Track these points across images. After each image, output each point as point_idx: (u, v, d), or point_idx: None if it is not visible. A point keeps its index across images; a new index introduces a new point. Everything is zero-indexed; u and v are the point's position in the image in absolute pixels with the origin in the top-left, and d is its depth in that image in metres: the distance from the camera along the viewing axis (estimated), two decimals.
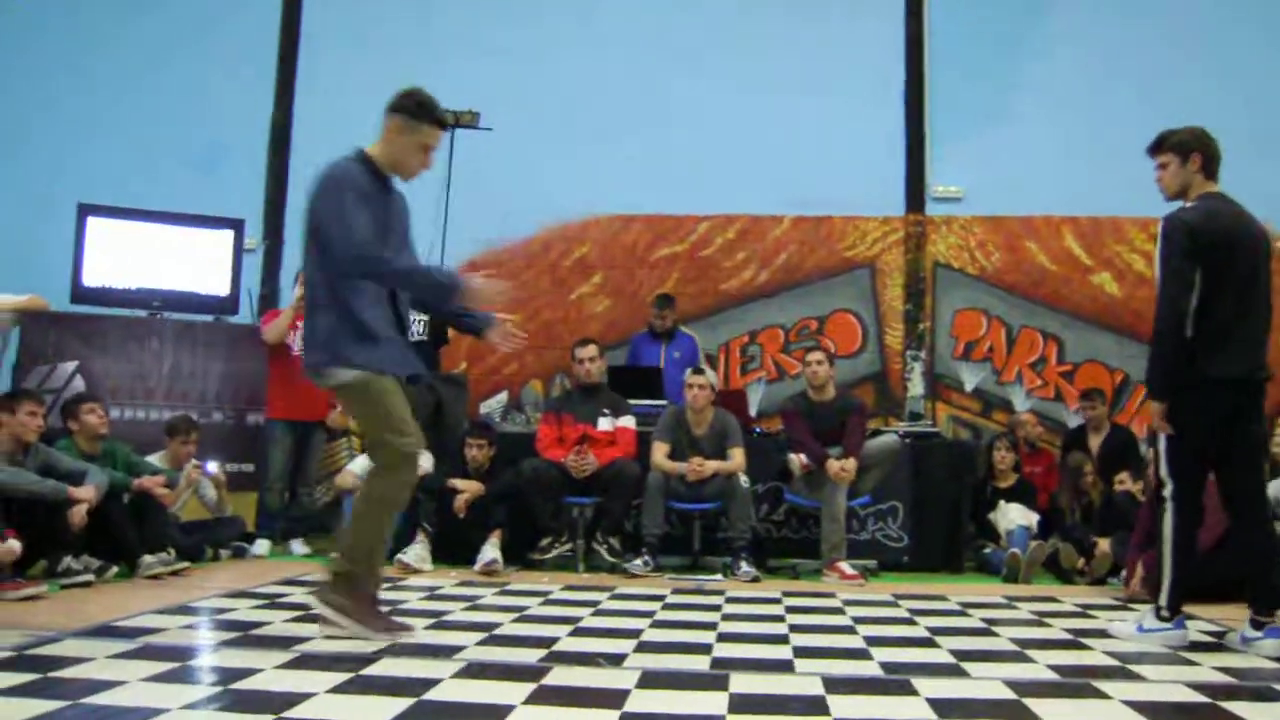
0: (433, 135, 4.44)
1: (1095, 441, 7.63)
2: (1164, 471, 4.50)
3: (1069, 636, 4.66)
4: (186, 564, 6.04)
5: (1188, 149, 4.47)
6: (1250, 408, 4.43)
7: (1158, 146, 4.56)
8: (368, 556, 4.29)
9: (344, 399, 4.75)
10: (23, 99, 9.55)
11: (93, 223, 7.87)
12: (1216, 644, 4.44)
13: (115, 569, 5.71)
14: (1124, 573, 6.12)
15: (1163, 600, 4.45)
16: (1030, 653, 4.23)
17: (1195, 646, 4.36)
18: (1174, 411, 4.41)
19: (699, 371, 7.18)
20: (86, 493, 5.59)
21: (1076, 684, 3.66)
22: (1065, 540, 6.84)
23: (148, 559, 5.77)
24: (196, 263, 8.12)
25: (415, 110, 4.37)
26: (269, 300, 9.18)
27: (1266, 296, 4.51)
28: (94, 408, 6.28)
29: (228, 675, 3.50)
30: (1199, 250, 4.33)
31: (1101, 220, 8.73)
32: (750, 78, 9.16)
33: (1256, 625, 4.28)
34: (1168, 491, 4.48)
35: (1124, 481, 6.91)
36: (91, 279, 7.82)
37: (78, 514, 5.51)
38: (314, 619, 4.36)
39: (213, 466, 7.11)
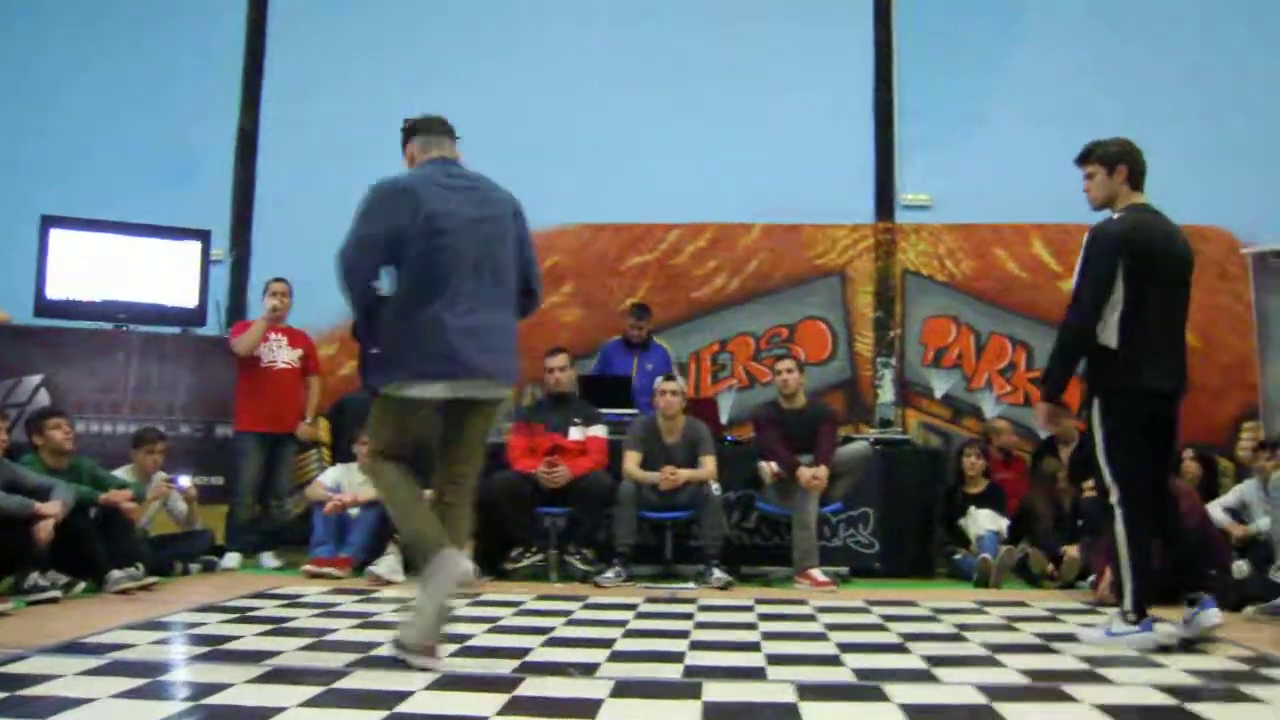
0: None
1: (1065, 451, 7.68)
2: (1107, 478, 4.56)
3: (1039, 641, 4.69)
4: (155, 579, 5.99)
5: (1114, 160, 4.61)
6: (1172, 419, 4.63)
7: (1085, 157, 4.69)
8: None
9: None
10: None
11: (56, 235, 7.81)
12: (1184, 647, 4.48)
13: (83, 584, 5.66)
14: (1092, 577, 6.17)
15: (1127, 604, 4.49)
16: (1001, 657, 4.25)
17: (1164, 649, 4.39)
18: (1107, 418, 4.52)
19: (670, 378, 7.20)
20: (53, 508, 5.53)
21: (1047, 688, 3.68)
22: (1035, 545, 6.89)
23: (116, 574, 5.70)
24: (163, 274, 8.07)
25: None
26: (237, 312, 9.11)
27: (1186, 309, 4.70)
28: (60, 423, 6.20)
29: (199, 690, 3.47)
30: (1122, 259, 4.46)
31: (1070, 227, 8.75)
32: (719, 86, 9.18)
33: (1191, 604, 4.47)
34: (1114, 498, 4.53)
35: (1093, 488, 6.95)
36: (55, 291, 7.75)
37: (44, 529, 5.45)
38: (287, 632, 4.32)
39: (184, 481, 7.06)
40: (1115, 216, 4.60)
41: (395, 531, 6.58)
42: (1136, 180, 4.66)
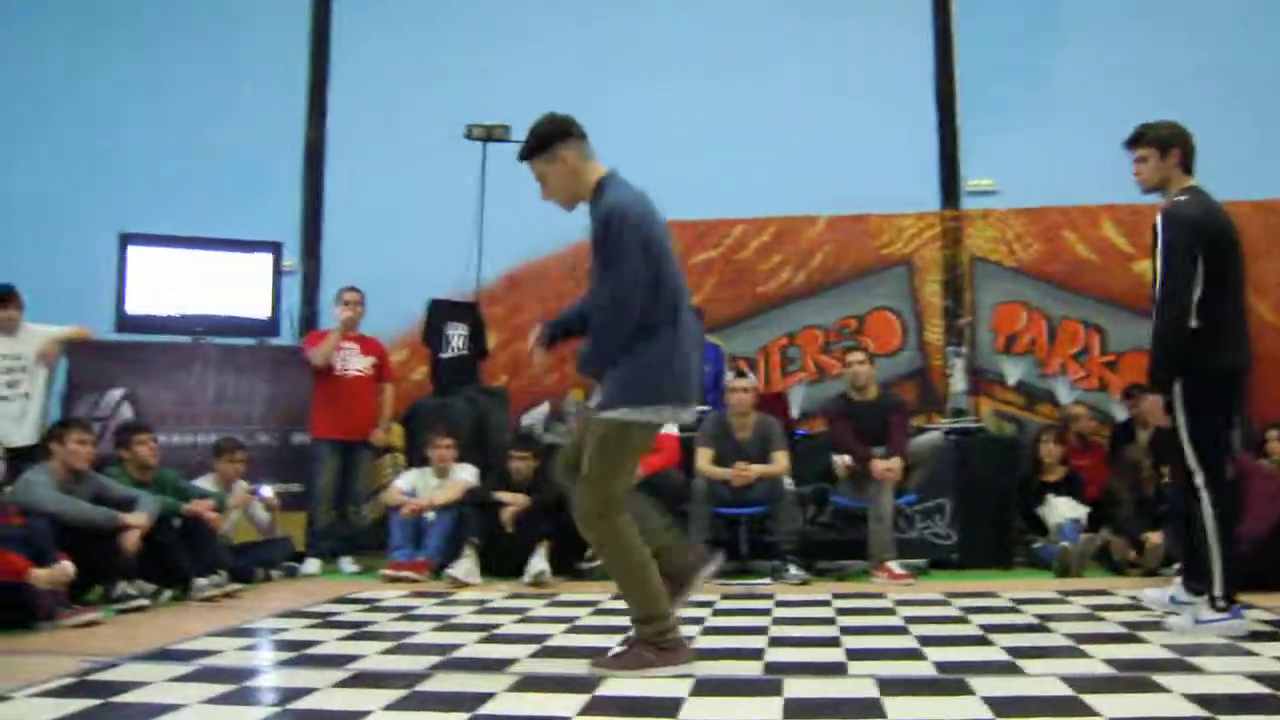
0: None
1: (1144, 435, 7.54)
2: (1192, 462, 4.48)
3: (1124, 630, 4.60)
4: (238, 585, 6.13)
5: (1168, 144, 4.57)
6: (1240, 397, 4.66)
7: (1137, 140, 4.64)
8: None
9: None
10: (65, 132, 9.68)
11: (134, 251, 7.99)
12: (1275, 633, 4.38)
13: (169, 593, 5.77)
14: (1176, 565, 6.04)
15: (1217, 590, 4.40)
16: (1085, 647, 4.18)
17: (1254, 636, 4.30)
18: (1190, 399, 4.45)
19: (742, 374, 7.18)
20: (139, 519, 5.67)
21: (1134, 678, 3.62)
22: (1116, 532, 6.77)
23: (200, 582, 5.83)
24: (236, 286, 8.22)
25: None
26: (309, 321, 9.26)
27: (1245, 286, 4.68)
28: (146, 439, 6.34)
29: (285, 695, 3.53)
30: (1201, 244, 4.41)
31: (1140, 208, 8.54)
32: (781, 78, 9.14)
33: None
34: (1200, 480, 4.46)
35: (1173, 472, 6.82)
36: (135, 306, 7.93)
37: (131, 540, 5.58)
38: (369, 636, 4.38)
39: (266, 490, 7.20)
40: (1183, 199, 4.53)
41: (471, 534, 6.67)
42: (1188, 163, 4.61)
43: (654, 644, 3.85)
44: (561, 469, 4.21)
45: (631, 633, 4.02)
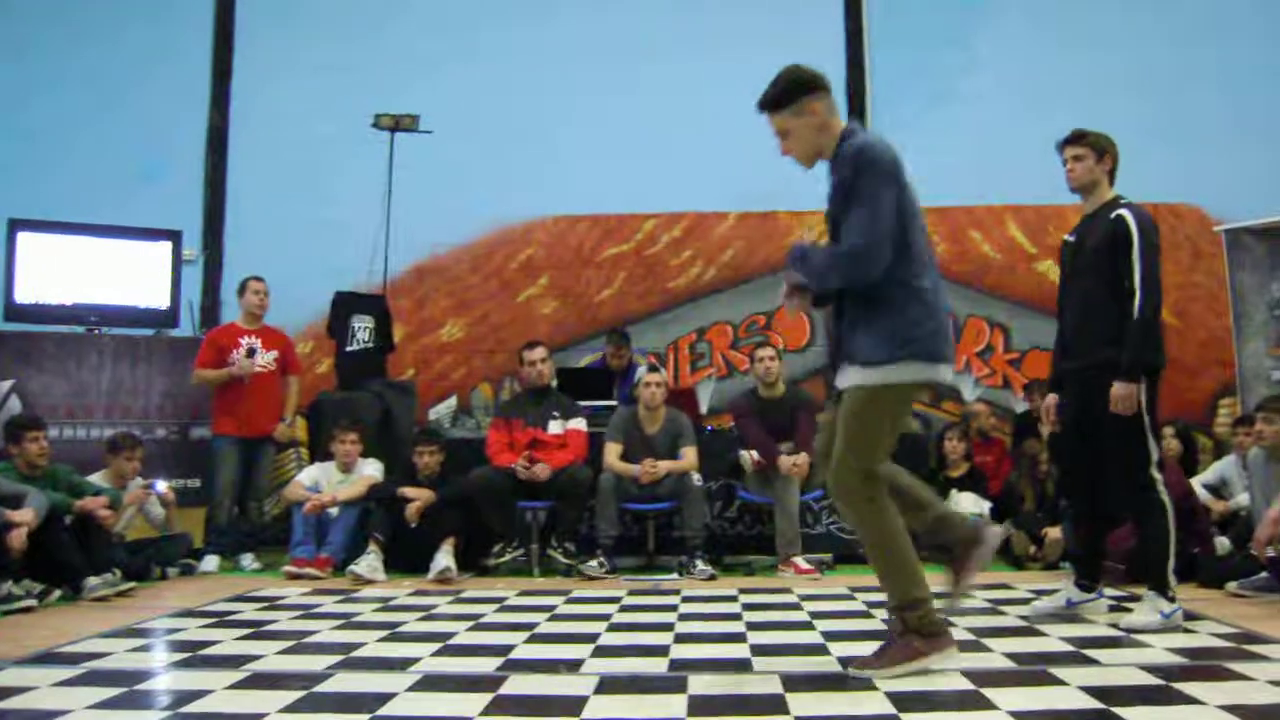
0: None
1: (1045, 430, 7.67)
2: (1155, 454, 4.61)
3: (1024, 624, 4.69)
4: (133, 584, 5.94)
5: (1104, 149, 4.78)
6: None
7: (1077, 140, 4.79)
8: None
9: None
10: None
11: (23, 238, 7.71)
12: (1174, 625, 4.47)
13: (58, 593, 5.55)
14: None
15: (1173, 582, 4.54)
16: (986, 641, 4.25)
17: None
18: (1150, 394, 4.61)
19: (655, 369, 7.17)
20: (26, 515, 5.46)
21: (1034, 671, 3.68)
22: (1017, 527, 6.89)
23: (92, 581, 5.63)
24: (134, 276, 7.99)
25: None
26: (211, 312, 9.04)
27: None
28: (37, 436, 6.08)
29: (177, 698, 3.42)
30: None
31: (1044, 209, 8.79)
32: (691, 74, 9.12)
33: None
34: (1158, 476, 4.60)
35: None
36: (25, 295, 7.66)
37: (17, 538, 5.37)
38: (267, 636, 4.27)
39: (162, 486, 6.99)
40: (1136, 204, 4.73)
41: (375, 530, 6.57)
42: (1114, 174, 4.83)
43: (920, 632, 3.63)
44: (821, 457, 3.92)
45: (891, 624, 3.76)
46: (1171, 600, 4.50)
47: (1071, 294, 4.87)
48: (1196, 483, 6.77)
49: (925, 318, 3.61)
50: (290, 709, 3.29)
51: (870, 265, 3.54)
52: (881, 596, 5.48)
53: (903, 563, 3.70)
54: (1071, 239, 4.93)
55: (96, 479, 6.54)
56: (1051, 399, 5.03)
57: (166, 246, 8.11)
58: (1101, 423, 4.60)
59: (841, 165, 3.66)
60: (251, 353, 7.32)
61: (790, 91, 3.79)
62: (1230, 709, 3.08)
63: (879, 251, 3.53)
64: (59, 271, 7.78)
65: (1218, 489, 6.84)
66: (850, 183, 3.61)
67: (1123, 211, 4.64)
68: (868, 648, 4.16)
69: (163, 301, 8.05)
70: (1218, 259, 8.14)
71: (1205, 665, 3.73)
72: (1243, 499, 6.51)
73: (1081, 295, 4.77)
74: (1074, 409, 4.85)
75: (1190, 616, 4.61)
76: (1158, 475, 4.58)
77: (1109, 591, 5.03)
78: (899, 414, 3.74)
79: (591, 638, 4.48)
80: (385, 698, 3.39)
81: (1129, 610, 4.67)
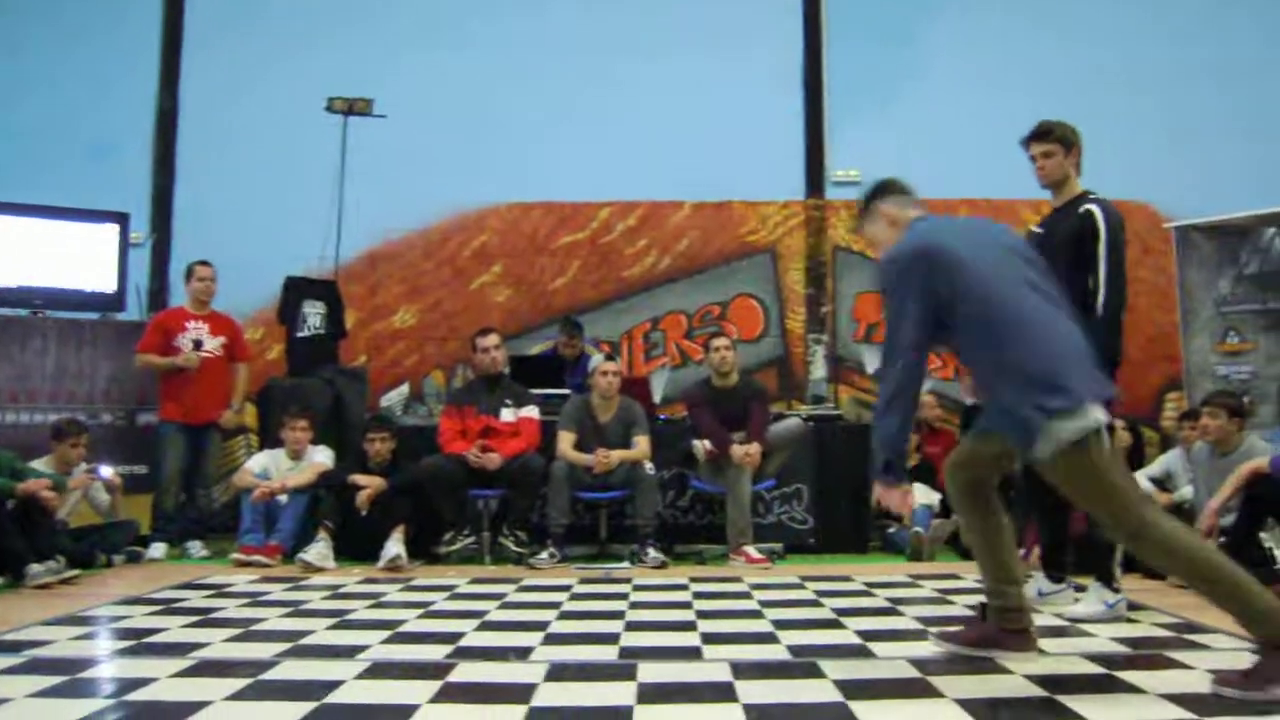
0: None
1: None
2: None
3: (971, 613, 4.71)
4: (77, 571, 5.84)
5: (1071, 143, 4.76)
6: None
7: (1045, 135, 4.75)
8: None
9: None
10: None
11: None
12: (1118, 615, 4.54)
13: (0, 580, 5.48)
14: (1022, 549, 6.24)
15: (1118, 573, 4.61)
16: (934, 630, 4.27)
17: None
18: None
19: (611, 358, 7.17)
20: None
21: (979, 659, 3.71)
22: None
23: (35, 568, 5.54)
24: (79, 258, 7.86)
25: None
26: (158, 296, 8.91)
27: None
28: None
29: (120, 686, 3.38)
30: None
31: (997, 203, 8.86)
32: (647, 63, 9.12)
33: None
34: None
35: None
36: None
37: None
38: (214, 623, 4.22)
39: (106, 471, 6.87)
40: (1104, 200, 4.72)
41: (325, 517, 6.52)
42: (1079, 166, 4.82)
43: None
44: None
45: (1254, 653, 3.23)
46: (1116, 591, 4.57)
47: None
48: (1142, 475, 6.86)
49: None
50: (236, 697, 3.26)
51: (897, 379, 3.53)
52: (832, 586, 5.56)
53: (1234, 588, 3.20)
54: (1040, 231, 4.91)
55: (40, 465, 6.44)
56: None
57: (114, 229, 7.99)
58: None
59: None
60: (198, 345, 7.23)
61: (864, 200, 4.10)
62: (1171, 698, 3.13)
63: (901, 366, 3.53)
64: (2, 254, 7.64)
65: (1162, 482, 6.94)
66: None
67: (1091, 206, 4.66)
68: (815, 636, 4.22)
69: (109, 285, 7.93)
70: (1166, 255, 8.25)
71: (1148, 654, 3.79)
72: (1187, 492, 6.60)
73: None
74: None
75: (1133, 606, 4.67)
76: None
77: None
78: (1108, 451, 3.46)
79: (542, 625, 4.48)
80: (333, 685, 3.37)
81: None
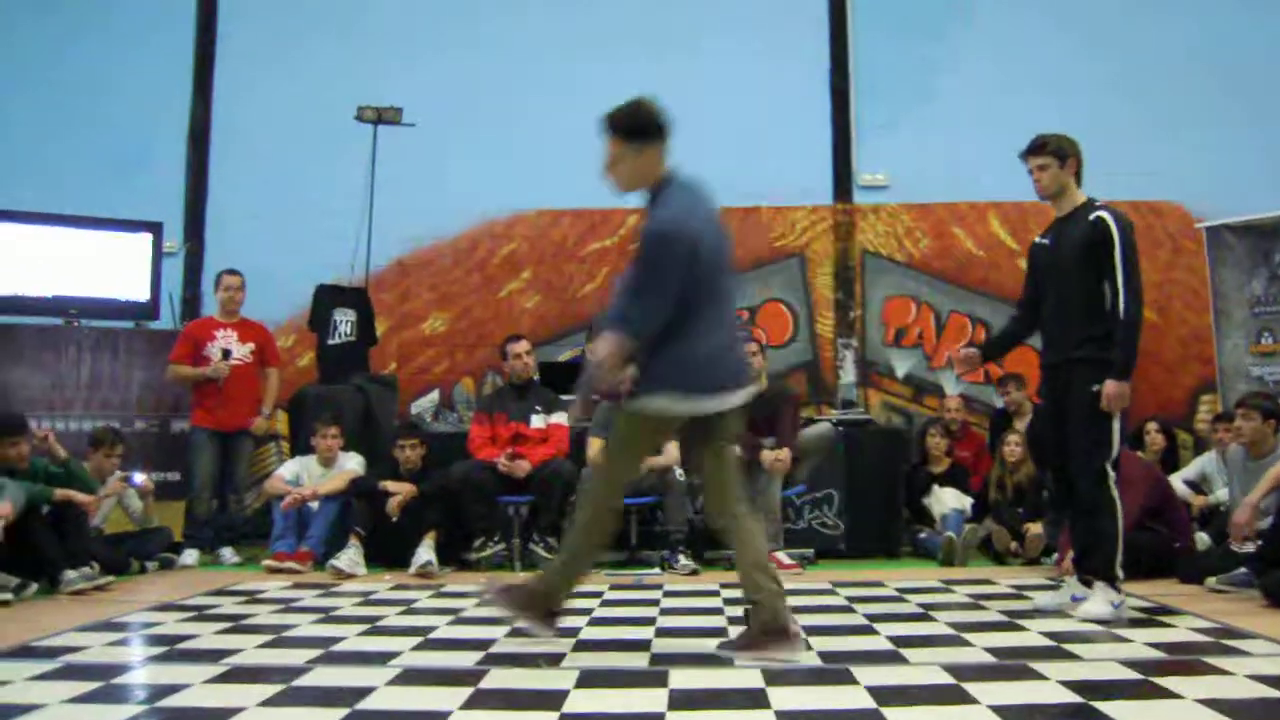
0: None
1: (1021, 424, 7.70)
2: (1115, 453, 4.66)
3: (1005, 619, 4.70)
4: (111, 578, 5.88)
5: (1066, 154, 4.80)
6: None
7: (1039, 149, 4.82)
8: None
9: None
10: None
11: (2, 229, 7.68)
12: (1149, 619, 4.51)
13: (35, 586, 5.52)
14: (1055, 554, 6.20)
15: (1121, 574, 4.61)
16: (968, 636, 4.26)
17: (1131, 623, 4.47)
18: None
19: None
20: (3, 509, 5.39)
21: (1014, 665, 3.69)
22: (998, 523, 6.91)
23: (70, 574, 5.59)
24: (114, 268, 7.93)
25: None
26: (192, 304, 8.98)
27: None
28: (17, 441, 5.96)
29: (154, 692, 3.40)
30: None
31: (1026, 205, 8.77)
32: (675, 69, 9.10)
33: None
34: (1111, 469, 4.65)
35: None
36: (3, 287, 7.60)
37: None
38: (247, 630, 4.25)
39: (139, 477, 6.93)
40: (1112, 205, 4.78)
41: (356, 524, 6.54)
42: (1080, 175, 4.88)
43: None
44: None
45: None
46: (1119, 591, 4.59)
47: (1047, 295, 4.90)
48: (1177, 479, 6.81)
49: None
50: (269, 703, 3.28)
51: None
52: (864, 592, 5.53)
53: None
54: (1045, 241, 4.98)
55: None
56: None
57: (147, 238, 8.06)
58: (1070, 415, 4.71)
59: None
60: (226, 355, 7.27)
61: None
62: (1208, 703, 3.09)
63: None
64: (38, 263, 7.72)
65: (1198, 485, 6.88)
66: None
67: (1102, 214, 4.70)
68: (847, 642, 4.21)
69: (143, 294, 8.00)
70: (1198, 256, 8.17)
71: (1184, 660, 3.76)
72: (1222, 494, 6.55)
73: (1058, 296, 4.83)
74: (1050, 402, 4.91)
75: (1169, 611, 4.64)
76: (1111, 471, 4.64)
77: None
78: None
79: (573, 632, 4.47)
80: (365, 692, 3.38)
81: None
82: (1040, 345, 5.05)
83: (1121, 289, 4.59)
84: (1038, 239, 5.07)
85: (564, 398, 7.22)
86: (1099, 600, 4.60)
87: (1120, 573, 4.61)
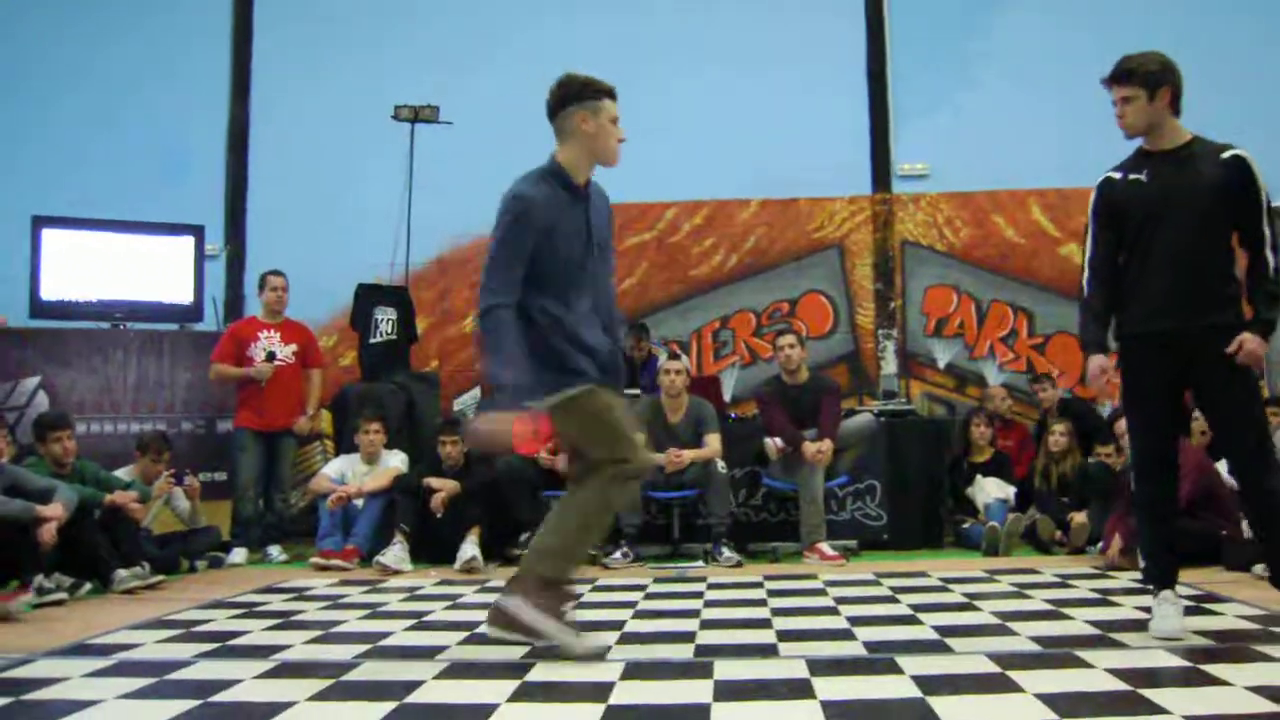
0: (612, 106, 4.40)
1: (1058, 427, 7.60)
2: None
3: (1050, 607, 4.66)
4: (161, 577, 5.96)
5: (1158, 82, 3.97)
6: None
7: (1124, 77, 4.00)
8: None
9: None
10: None
11: (48, 235, 7.77)
12: (1195, 607, 4.45)
13: (88, 586, 5.61)
14: (1101, 543, 6.14)
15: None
16: (1012, 625, 4.22)
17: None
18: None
19: (675, 357, 7.17)
20: (55, 510, 5.48)
21: (1059, 654, 3.65)
22: (1043, 512, 6.85)
23: (121, 574, 5.68)
24: (158, 271, 8.04)
25: (586, 93, 4.35)
26: (234, 306, 9.08)
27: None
28: (61, 436, 6.10)
29: (206, 688, 3.44)
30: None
31: (1067, 192, 8.72)
32: (712, 62, 9.12)
33: None
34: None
35: (1099, 453, 6.91)
36: (50, 292, 7.72)
37: (47, 532, 5.40)
38: (295, 626, 4.30)
39: (187, 478, 7.02)
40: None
41: (400, 520, 6.59)
42: (1178, 105, 4.04)
43: None
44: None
45: None
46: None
47: (1151, 246, 3.97)
48: (1223, 465, 6.72)
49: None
50: (319, 697, 3.31)
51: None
52: (908, 582, 5.51)
53: None
54: (1142, 178, 4.04)
55: (123, 474, 6.58)
56: (1102, 360, 4.06)
57: (189, 241, 8.16)
58: (1221, 392, 3.99)
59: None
60: (271, 357, 7.34)
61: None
62: (1257, 690, 3.06)
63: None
64: (84, 268, 7.84)
65: None
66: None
67: (1240, 153, 3.92)
68: (892, 632, 4.18)
69: (187, 296, 8.10)
70: None
71: (1232, 647, 3.70)
72: None
73: (1174, 248, 3.91)
74: (1170, 375, 3.99)
75: (1216, 599, 4.58)
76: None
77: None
78: None
79: (618, 625, 4.49)
80: (413, 685, 3.41)
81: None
82: (1128, 310, 4.07)
83: (1268, 243, 3.91)
84: (1117, 174, 4.14)
85: None
86: (1169, 613, 3.93)
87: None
